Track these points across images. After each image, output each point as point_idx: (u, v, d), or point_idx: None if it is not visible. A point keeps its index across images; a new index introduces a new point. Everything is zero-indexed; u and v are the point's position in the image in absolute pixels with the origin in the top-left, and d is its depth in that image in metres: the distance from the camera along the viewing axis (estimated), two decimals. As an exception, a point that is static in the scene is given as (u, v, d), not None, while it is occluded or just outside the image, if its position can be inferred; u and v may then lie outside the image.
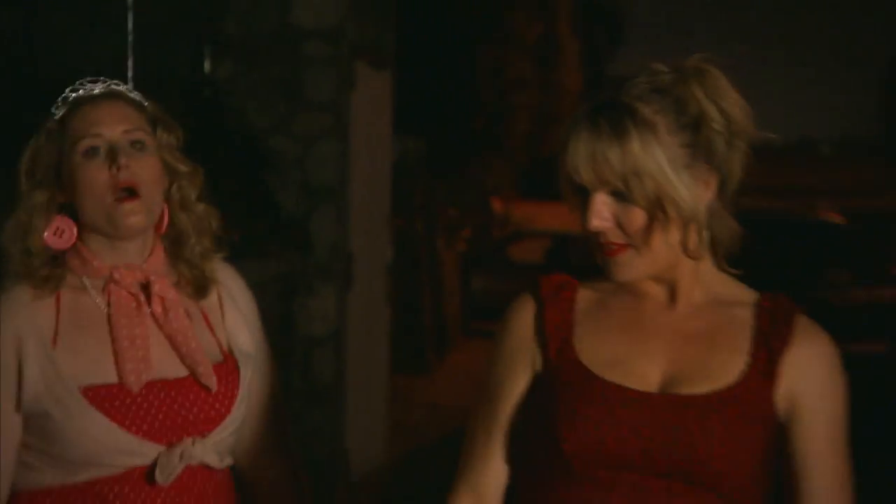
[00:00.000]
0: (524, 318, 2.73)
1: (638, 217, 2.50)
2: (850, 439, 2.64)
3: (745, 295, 2.70)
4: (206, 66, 8.45)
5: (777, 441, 2.57)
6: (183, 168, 3.19)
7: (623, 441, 2.52)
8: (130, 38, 7.20)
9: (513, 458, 2.79)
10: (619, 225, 2.52)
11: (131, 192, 3.02)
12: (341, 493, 10.53)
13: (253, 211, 9.55)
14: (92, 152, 3.03)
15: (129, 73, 7.20)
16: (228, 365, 3.23)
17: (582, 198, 2.55)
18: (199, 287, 3.23)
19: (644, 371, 2.60)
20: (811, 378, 2.58)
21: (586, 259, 2.74)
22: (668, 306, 2.67)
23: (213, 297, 3.29)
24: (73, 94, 3.09)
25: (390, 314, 13.21)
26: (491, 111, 26.04)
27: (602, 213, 2.50)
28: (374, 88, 11.07)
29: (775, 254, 13.02)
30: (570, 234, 24.63)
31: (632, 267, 2.57)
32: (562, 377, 2.62)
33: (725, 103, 2.56)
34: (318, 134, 9.81)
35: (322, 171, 9.98)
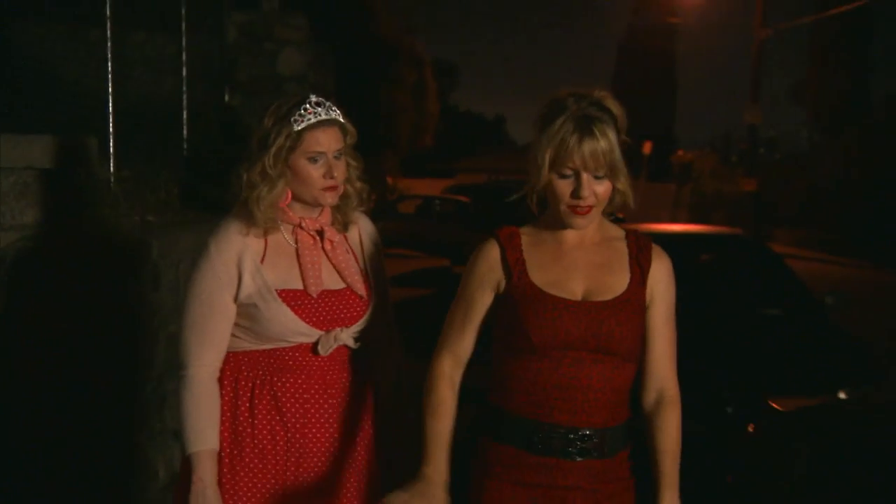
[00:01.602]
0: (492, 255, 2.73)
1: (607, 189, 2.58)
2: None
3: (618, 232, 2.77)
4: (226, 98, 8.36)
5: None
6: (353, 162, 3.10)
7: (567, 332, 2.59)
8: (184, 81, 7.04)
9: (482, 341, 2.82)
10: (594, 194, 2.57)
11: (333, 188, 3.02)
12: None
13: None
14: (313, 161, 2.96)
15: (184, 101, 7.01)
16: (367, 281, 3.20)
17: (567, 178, 2.57)
18: (345, 225, 3.17)
19: (572, 288, 2.65)
20: (660, 281, 2.71)
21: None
22: (578, 245, 2.71)
23: (355, 236, 3.24)
24: (311, 116, 2.95)
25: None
26: (386, 124, 26.04)
27: (589, 187, 2.55)
28: (323, 111, 10.84)
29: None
30: (433, 196, 24.70)
31: (592, 219, 2.64)
32: (524, 293, 2.65)
33: (621, 115, 2.64)
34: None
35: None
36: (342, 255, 3.15)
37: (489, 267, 2.74)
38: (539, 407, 2.64)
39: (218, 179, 6.39)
